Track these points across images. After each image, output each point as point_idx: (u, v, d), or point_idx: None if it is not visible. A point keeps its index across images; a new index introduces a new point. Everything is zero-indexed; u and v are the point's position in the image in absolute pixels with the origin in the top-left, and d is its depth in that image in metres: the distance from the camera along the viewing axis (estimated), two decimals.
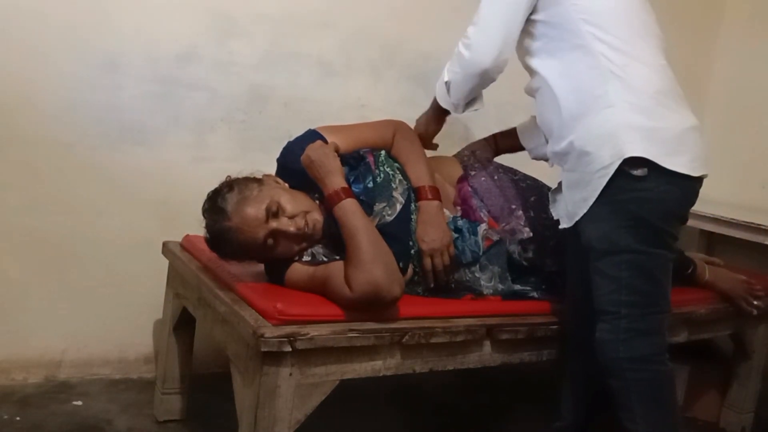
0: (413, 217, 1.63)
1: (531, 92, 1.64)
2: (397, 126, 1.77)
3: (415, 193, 1.66)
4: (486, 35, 1.54)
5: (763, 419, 2.31)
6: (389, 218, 1.58)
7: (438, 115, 1.84)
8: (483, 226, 1.69)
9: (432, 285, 1.63)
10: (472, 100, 1.71)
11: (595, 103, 1.44)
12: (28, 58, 1.92)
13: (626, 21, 1.50)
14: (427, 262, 1.60)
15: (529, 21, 1.54)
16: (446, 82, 1.68)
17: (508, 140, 2.01)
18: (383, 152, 1.69)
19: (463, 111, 1.74)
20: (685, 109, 1.49)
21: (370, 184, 1.62)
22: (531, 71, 1.60)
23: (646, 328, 1.45)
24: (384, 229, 1.53)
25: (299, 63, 2.27)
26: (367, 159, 1.66)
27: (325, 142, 1.62)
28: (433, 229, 1.61)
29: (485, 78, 1.60)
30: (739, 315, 2.03)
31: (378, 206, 1.59)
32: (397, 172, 1.67)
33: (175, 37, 2.08)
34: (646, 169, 1.39)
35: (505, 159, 2.00)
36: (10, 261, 1.98)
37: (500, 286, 1.68)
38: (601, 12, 1.48)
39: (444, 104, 1.73)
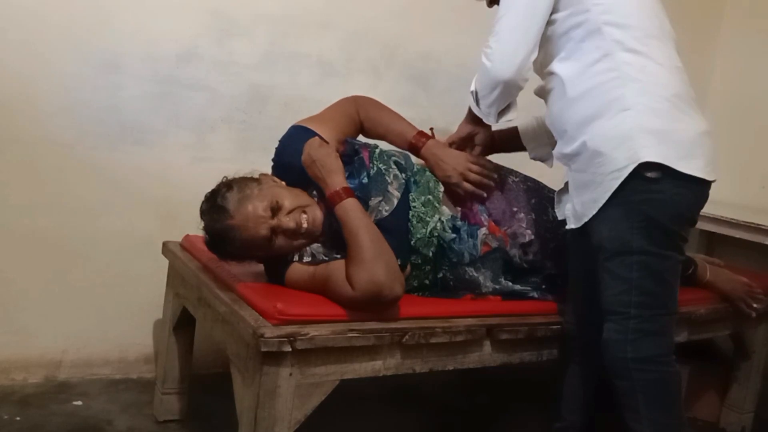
0: (411, 212, 1.62)
1: (543, 94, 1.62)
2: (356, 100, 1.79)
3: (410, 147, 1.68)
4: (506, 45, 1.52)
5: (763, 419, 2.32)
6: (386, 213, 1.58)
7: (473, 121, 1.82)
8: (483, 230, 1.67)
9: (485, 195, 1.68)
10: (505, 108, 1.67)
11: (611, 105, 1.43)
12: (28, 58, 1.92)
13: (647, 22, 1.49)
14: (466, 186, 1.63)
15: (548, 21, 1.51)
16: (472, 92, 1.66)
17: (506, 139, 2.00)
18: (378, 149, 1.68)
19: (497, 121, 1.70)
20: (698, 113, 1.48)
21: (365, 180, 1.61)
22: (545, 73, 1.58)
23: (655, 329, 1.44)
24: (381, 224, 1.53)
25: (299, 63, 2.27)
26: (361, 154, 1.65)
27: (323, 140, 1.61)
28: (445, 161, 1.64)
29: (509, 87, 1.56)
30: (739, 316, 2.03)
31: (374, 201, 1.58)
32: (392, 166, 1.66)
33: (175, 37, 2.08)
34: (660, 172, 1.39)
35: (505, 160, 1.99)
36: (10, 261, 1.98)
37: (497, 287, 1.68)
38: (622, 12, 1.47)
39: (476, 113, 1.71)
